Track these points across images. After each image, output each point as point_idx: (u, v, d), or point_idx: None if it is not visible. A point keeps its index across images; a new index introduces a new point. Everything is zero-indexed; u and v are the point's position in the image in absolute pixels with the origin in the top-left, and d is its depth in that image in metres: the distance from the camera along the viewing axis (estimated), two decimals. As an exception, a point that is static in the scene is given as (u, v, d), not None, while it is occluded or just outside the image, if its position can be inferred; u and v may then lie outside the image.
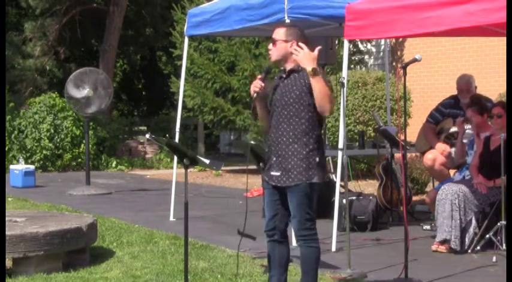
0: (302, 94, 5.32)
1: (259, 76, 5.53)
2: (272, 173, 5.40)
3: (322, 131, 10.56)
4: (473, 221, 7.60)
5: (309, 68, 5.23)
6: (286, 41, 5.43)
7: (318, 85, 5.23)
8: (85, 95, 13.25)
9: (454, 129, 8.99)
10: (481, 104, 8.28)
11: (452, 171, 9.21)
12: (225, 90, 16.18)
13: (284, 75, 5.46)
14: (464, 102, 8.78)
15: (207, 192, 13.20)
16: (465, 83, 9.10)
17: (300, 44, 5.33)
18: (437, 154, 9.00)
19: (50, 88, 21.89)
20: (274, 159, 5.39)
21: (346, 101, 12.46)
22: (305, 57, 5.27)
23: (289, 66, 5.44)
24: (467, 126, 8.61)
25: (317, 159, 5.32)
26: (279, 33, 5.47)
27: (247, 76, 15.45)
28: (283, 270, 5.52)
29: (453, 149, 8.95)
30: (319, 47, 5.41)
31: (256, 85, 5.45)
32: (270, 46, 5.53)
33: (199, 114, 16.73)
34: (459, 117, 8.75)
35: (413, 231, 7.84)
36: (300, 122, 5.33)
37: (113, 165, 18.46)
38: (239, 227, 5.74)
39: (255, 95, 5.46)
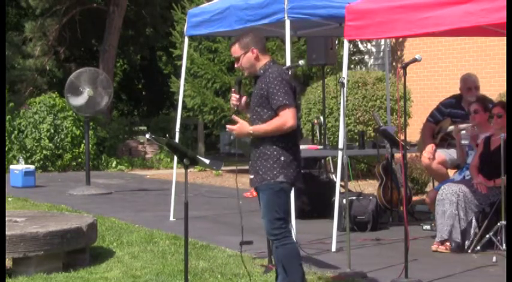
0: (263, 97, 5.43)
1: (233, 89, 5.70)
2: (250, 176, 5.53)
3: (322, 131, 10.75)
4: (474, 221, 7.60)
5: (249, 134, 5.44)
6: (246, 52, 5.53)
7: (263, 134, 5.39)
8: (84, 99, 13.22)
9: (451, 128, 8.99)
10: (485, 103, 8.42)
11: (452, 171, 9.21)
12: (225, 90, 16.17)
13: (254, 82, 5.58)
14: (471, 100, 8.76)
15: (207, 192, 13.20)
16: (474, 80, 9.16)
17: (233, 120, 5.49)
18: (435, 153, 9.00)
19: (50, 88, 21.87)
20: (251, 162, 5.55)
21: (346, 101, 12.45)
22: (240, 132, 5.47)
23: (258, 72, 5.55)
24: (463, 125, 8.64)
25: (282, 158, 5.37)
26: (236, 50, 5.58)
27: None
28: None
29: (452, 150, 8.96)
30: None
31: (233, 99, 5.65)
32: (236, 65, 5.65)
33: (199, 114, 16.73)
34: (455, 125, 8.76)
35: (413, 231, 7.84)
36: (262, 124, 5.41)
37: (113, 165, 18.45)
38: (238, 230, 5.76)
39: (236, 108, 5.66)
